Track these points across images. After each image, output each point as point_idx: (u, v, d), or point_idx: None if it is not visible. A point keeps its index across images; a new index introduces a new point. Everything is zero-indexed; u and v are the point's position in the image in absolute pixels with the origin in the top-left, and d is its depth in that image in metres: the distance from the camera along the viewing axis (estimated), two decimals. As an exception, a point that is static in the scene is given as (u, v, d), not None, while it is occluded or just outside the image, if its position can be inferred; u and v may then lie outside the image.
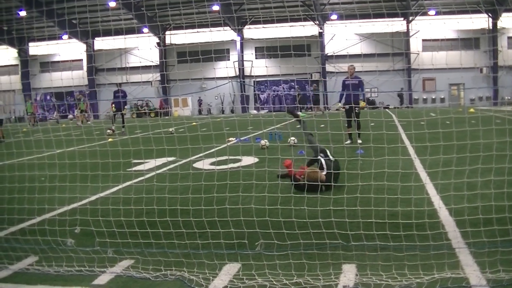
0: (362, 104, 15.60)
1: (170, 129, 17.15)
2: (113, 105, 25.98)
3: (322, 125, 13.73)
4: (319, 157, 8.59)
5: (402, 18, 54.24)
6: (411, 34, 54.36)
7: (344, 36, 52.58)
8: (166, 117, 43.01)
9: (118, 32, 48.12)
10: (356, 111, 14.78)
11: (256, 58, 57.35)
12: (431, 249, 4.73)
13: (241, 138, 16.39)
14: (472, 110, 27.57)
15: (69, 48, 55.09)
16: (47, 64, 56.65)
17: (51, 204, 6.50)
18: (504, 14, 49.85)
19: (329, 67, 54.18)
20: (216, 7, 38.48)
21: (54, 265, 4.92)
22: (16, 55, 61.09)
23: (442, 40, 50.38)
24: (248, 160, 11.10)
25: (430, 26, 52.75)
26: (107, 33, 48.81)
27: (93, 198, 7.53)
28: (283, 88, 56.30)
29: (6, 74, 56.93)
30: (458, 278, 4.18)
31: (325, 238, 5.00)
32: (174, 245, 5.21)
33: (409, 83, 54.32)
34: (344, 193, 7.32)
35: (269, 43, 47.72)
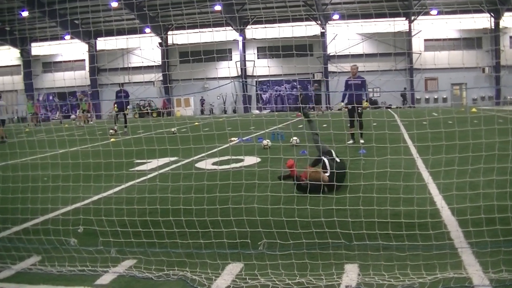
0: (365, 104, 15.60)
1: (173, 129, 17.14)
2: (116, 105, 26.01)
3: (324, 125, 13.74)
4: (322, 157, 8.56)
5: (404, 18, 54.23)
6: (413, 34, 54.32)
7: (346, 36, 52.54)
8: (169, 117, 42.99)
9: (120, 32, 48.20)
10: (359, 111, 14.77)
11: (258, 58, 57.27)
12: (433, 248, 4.73)
13: (243, 138, 16.39)
14: (474, 109, 27.55)
15: (71, 48, 55.20)
16: (50, 64, 56.80)
17: (55, 204, 6.52)
18: (506, 14, 49.87)
19: (331, 67, 54.16)
20: (218, 7, 38.58)
21: (57, 265, 4.92)
22: (19, 55, 61.18)
23: (444, 39, 50.30)
24: (250, 160, 11.11)
25: (432, 26, 52.72)
26: (109, 33, 48.83)
27: (96, 198, 7.54)
28: (285, 88, 56.27)
29: (8, 75, 56.86)
30: (460, 278, 4.19)
31: (327, 237, 5.00)
32: (177, 245, 5.22)
33: (411, 83, 54.30)
34: (346, 192, 7.34)
35: (271, 43, 47.68)
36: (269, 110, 51.60)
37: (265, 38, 53.14)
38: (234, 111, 54.75)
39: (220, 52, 50.19)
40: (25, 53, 59.46)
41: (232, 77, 53.82)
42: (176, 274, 4.60)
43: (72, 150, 11.78)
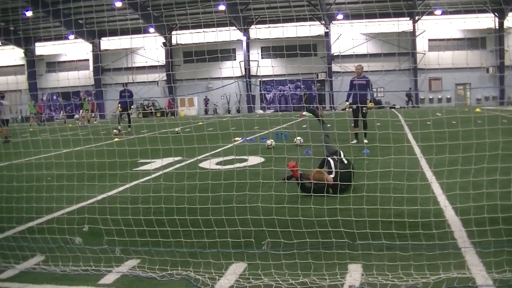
0: (370, 104, 15.59)
1: (176, 129, 17.18)
2: (119, 105, 26.04)
3: (328, 125, 13.73)
4: (328, 158, 8.51)
5: (408, 18, 54.17)
6: (417, 33, 54.27)
7: (350, 36, 52.54)
8: (172, 116, 43.05)
9: (124, 32, 48.11)
10: (364, 111, 14.77)
11: (262, 58, 57.32)
12: (437, 248, 4.73)
13: (247, 138, 16.40)
14: (478, 109, 27.51)
15: (75, 48, 55.23)
16: (54, 64, 56.83)
17: (59, 203, 6.54)
18: (510, 14, 49.71)
19: (335, 67, 54.16)
20: (222, 7, 38.50)
21: (60, 265, 4.93)
22: (23, 55, 61.27)
23: (448, 39, 50.25)
24: (254, 160, 11.11)
25: (436, 26, 52.63)
26: (113, 33, 48.97)
27: (101, 197, 7.56)
28: (289, 88, 56.29)
29: (12, 74, 57.07)
30: (464, 278, 4.19)
31: (331, 237, 5.01)
32: (181, 244, 5.23)
33: (415, 83, 54.24)
34: (350, 192, 7.34)
35: (275, 43, 47.52)
36: (273, 110, 51.60)
37: (269, 38, 53.08)
38: (238, 111, 54.77)
39: (224, 52, 50.18)
40: (29, 53, 59.59)
41: (236, 77, 53.90)
42: (179, 274, 4.60)
43: (76, 149, 11.81)
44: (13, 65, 60.63)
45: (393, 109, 42.16)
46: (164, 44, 57.67)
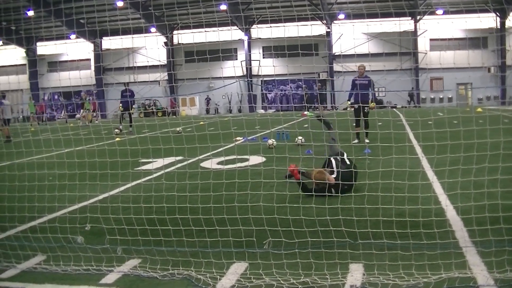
0: (372, 104, 15.59)
1: (178, 129, 17.19)
2: (121, 104, 26.07)
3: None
4: (330, 158, 8.47)
5: (410, 18, 54.17)
6: (418, 33, 54.23)
7: (351, 36, 52.51)
8: (174, 116, 43.08)
9: (126, 31, 48.22)
10: (366, 110, 14.78)
11: (263, 58, 57.36)
12: (438, 248, 4.73)
13: (249, 138, 16.41)
14: (479, 109, 27.47)
15: (77, 48, 55.38)
16: (55, 64, 56.88)
17: (61, 203, 6.55)
18: (512, 13, 49.71)
19: (336, 67, 54.17)
20: (223, 7, 38.53)
21: (62, 264, 4.94)
22: (24, 54, 61.41)
23: (449, 39, 50.26)
24: (255, 160, 11.12)
25: (438, 26, 52.66)
26: (114, 32, 48.93)
27: (102, 196, 7.57)
28: (291, 87, 56.32)
29: (14, 74, 57.11)
30: (465, 277, 4.19)
31: (332, 236, 5.01)
32: (183, 243, 5.23)
33: (416, 83, 54.24)
34: (351, 192, 7.34)
35: (277, 43, 47.74)
36: (274, 110, 51.64)
37: (270, 38, 53.18)
38: (240, 111, 54.82)
39: (225, 52, 50.26)
40: (31, 53, 59.68)
41: (237, 76, 53.93)
42: (181, 273, 4.60)
43: (78, 149, 11.82)
44: (15, 65, 60.65)
45: (394, 109, 42.18)
46: (166, 43, 57.74)
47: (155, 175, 9.45)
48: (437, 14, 52.04)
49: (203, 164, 11.33)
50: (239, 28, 56.00)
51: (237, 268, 4.70)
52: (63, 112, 46.78)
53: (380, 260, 4.60)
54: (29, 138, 12.31)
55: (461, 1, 39.42)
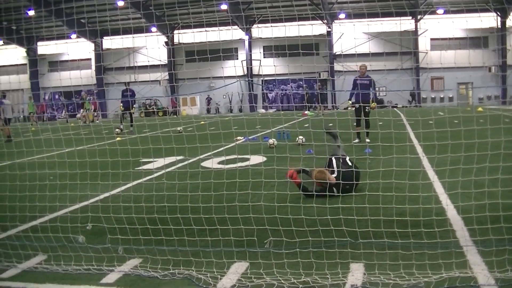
0: (373, 105, 15.59)
1: (179, 128, 17.18)
2: (122, 104, 26.07)
3: (330, 124, 13.74)
4: (330, 156, 8.44)
5: (411, 17, 54.15)
6: (419, 33, 54.19)
7: (352, 35, 52.46)
8: (175, 116, 43.09)
9: (127, 31, 48.17)
10: (367, 110, 14.78)
11: (264, 57, 57.39)
12: (438, 247, 4.73)
13: (249, 137, 16.42)
14: (480, 109, 27.45)
15: (77, 47, 55.38)
16: (56, 63, 56.98)
17: (63, 202, 6.55)
18: (513, 13, 49.67)
19: (337, 66, 54.20)
20: (224, 6, 38.60)
21: (63, 264, 4.94)
22: (25, 54, 61.39)
23: (450, 39, 50.18)
24: (256, 159, 11.12)
25: (438, 25, 52.55)
26: (115, 32, 49.02)
27: (103, 196, 7.57)
28: (291, 87, 56.30)
29: (14, 74, 57.11)
30: (466, 277, 4.19)
31: (333, 236, 5.01)
32: (184, 243, 5.23)
33: (417, 82, 54.19)
34: (352, 191, 7.34)
35: (277, 42, 47.83)
36: (275, 109, 51.64)
37: (271, 37, 53.18)
38: (240, 110, 54.83)
39: (226, 51, 50.29)
40: (31, 52, 59.68)
41: (238, 76, 53.91)
42: (181, 273, 4.60)
43: (79, 149, 11.83)
44: (15, 64, 60.65)
45: (395, 108, 42.17)
46: (166, 43, 57.73)
47: (156, 174, 9.45)
48: (437, 14, 51.99)
49: (204, 164, 11.33)
50: (240, 28, 56.00)
51: (238, 268, 4.70)
52: (63, 111, 46.83)
53: (381, 259, 4.61)
54: (30, 137, 12.31)
55: (461, 0, 39.48)
